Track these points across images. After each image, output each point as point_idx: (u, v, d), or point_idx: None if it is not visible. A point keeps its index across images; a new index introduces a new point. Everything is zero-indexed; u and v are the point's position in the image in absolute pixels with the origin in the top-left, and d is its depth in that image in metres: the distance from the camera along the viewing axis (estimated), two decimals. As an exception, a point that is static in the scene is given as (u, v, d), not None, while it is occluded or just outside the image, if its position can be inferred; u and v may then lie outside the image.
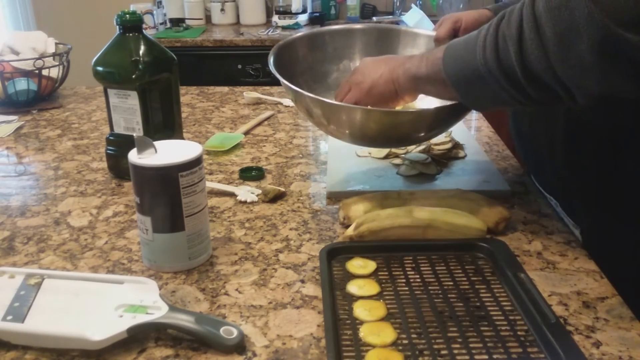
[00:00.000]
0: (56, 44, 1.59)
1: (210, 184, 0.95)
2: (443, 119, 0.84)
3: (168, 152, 0.71)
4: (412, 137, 0.87)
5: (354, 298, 0.65)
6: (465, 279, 0.69)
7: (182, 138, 1.07)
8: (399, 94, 0.80)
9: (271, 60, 0.92)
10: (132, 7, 2.68)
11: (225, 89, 1.63)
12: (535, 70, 0.62)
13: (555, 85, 0.62)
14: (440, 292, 0.66)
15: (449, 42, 0.74)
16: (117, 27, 0.95)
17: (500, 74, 0.65)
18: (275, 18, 2.89)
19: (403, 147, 1.08)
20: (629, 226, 0.81)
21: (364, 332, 0.59)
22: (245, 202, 0.92)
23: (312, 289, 0.70)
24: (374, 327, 0.60)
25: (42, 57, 1.45)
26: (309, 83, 1.00)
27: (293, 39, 1.03)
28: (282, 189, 0.94)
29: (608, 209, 0.83)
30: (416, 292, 0.66)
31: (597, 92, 0.61)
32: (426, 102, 0.94)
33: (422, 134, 0.86)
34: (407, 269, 0.71)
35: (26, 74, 1.43)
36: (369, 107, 0.81)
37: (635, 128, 0.77)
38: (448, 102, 0.85)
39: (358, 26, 1.09)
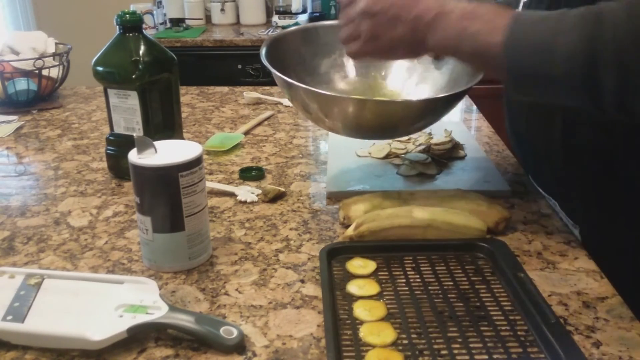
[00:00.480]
0: (56, 44, 1.59)
1: (210, 184, 0.95)
2: (437, 107, 0.86)
3: (168, 152, 0.71)
4: (406, 126, 0.88)
5: (354, 298, 0.65)
6: (465, 279, 0.69)
7: (182, 138, 1.07)
8: (421, 55, 0.75)
9: (263, 52, 0.92)
10: (132, 7, 2.68)
11: (225, 89, 1.63)
12: (635, 108, 0.58)
13: None
14: (440, 292, 0.66)
15: (507, 24, 0.64)
16: (117, 27, 0.95)
17: (586, 92, 0.60)
18: (275, 18, 2.89)
19: (403, 147, 1.08)
20: (629, 226, 0.81)
21: (364, 332, 0.59)
22: (245, 202, 0.92)
23: (312, 289, 0.70)
24: (374, 327, 0.60)
25: (42, 57, 1.45)
26: (300, 76, 1.01)
27: (285, 33, 1.04)
28: (282, 189, 0.94)
29: (607, 209, 0.83)
30: (416, 292, 0.66)
31: None
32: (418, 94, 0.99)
33: (417, 124, 0.88)
34: (407, 269, 0.71)
35: (26, 74, 1.43)
36: (364, 97, 0.83)
37: (633, 128, 0.77)
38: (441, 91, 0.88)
39: None
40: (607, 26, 0.58)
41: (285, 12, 2.88)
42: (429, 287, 0.67)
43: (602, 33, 0.58)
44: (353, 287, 0.67)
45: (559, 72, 0.61)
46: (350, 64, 1.07)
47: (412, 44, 0.71)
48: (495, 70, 0.67)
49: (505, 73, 0.66)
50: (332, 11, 3.05)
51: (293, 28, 1.07)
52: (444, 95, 0.85)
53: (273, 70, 0.86)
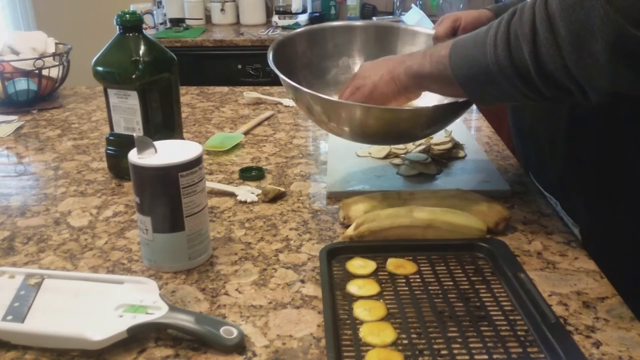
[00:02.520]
0: (56, 44, 1.59)
1: (210, 184, 0.95)
2: (442, 116, 0.85)
3: (168, 152, 0.71)
4: (412, 133, 0.87)
5: (354, 298, 0.65)
6: (465, 279, 0.69)
7: (182, 138, 1.07)
8: (401, 93, 0.80)
9: (270, 55, 0.92)
10: (132, 7, 2.68)
11: (225, 89, 1.63)
12: (549, 69, 0.62)
13: (569, 83, 0.63)
14: (440, 292, 0.66)
15: (453, 40, 0.73)
16: (117, 27, 0.95)
17: (513, 72, 0.65)
18: (275, 18, 2.89)
19: (403, 147, 1.08)
20: (630, 224, 0.81)
21: (364, 332, 0.59)
22: (245, 202, 0.92)
23: (312, 289, 0.70)
24: (374, 327, 0.60)
25: (42, 57, 1.45)
26: (308, 79, 1.00)
27: (292, 35, 1.03)
28: (282, 189, 0.94)
29: (609, 207, 0.83)
30: (416, 292, 0.66)
31: (610, 89, 0.61)
32: (426, 99, 0.95)
33: (421, 131, 0.87)
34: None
35: (26, 74, 1.43)
36: (369, 105, 0.81)
37: (637, 127, 0.77)
38: (447, 99, 0.85)
39: (358, 23, 1.09)
40: (526, 9, 0.64)
41: (285, 12, 2.88)
42: (429, 287, 0.67)
43: (518, 16, 0.64)
44: (353, 287, 0.67)
45: (490, 61, 0.66)
46: (357, 66, 1.06)
47: (389, 81, 0.79)
48: (451, 84, 0.72)
49: (455, 81, 0.71)
50: (332, 11, 3.05)
51: (300, 30, 1.06)
52: (450, 102, 0.83)
53: (281, 76, 0.85)
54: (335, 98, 0.87)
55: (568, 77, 0.62)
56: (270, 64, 0.89)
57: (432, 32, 1.03)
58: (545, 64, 0.62)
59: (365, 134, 0.86)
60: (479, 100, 0.74)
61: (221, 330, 0.60)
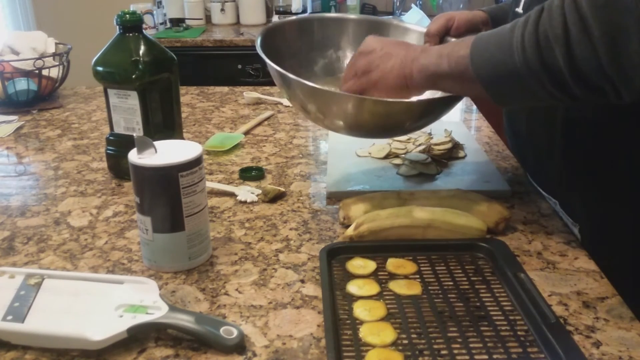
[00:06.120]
0: (56, 44, 1.59)
1: (210, 184, 0.95)
2: (435, 108, 0.85)
3: (168, 152, 0.71)
4: (404, 126, 0.87)
5: (354, 298, 0.65)
6: (465, 279, 0.69)
7: (182, 138, 1.07)
8: (410, 89, 0.78)
9: (258, 41, 0.91)
10: (132, 7, 2.68)
11: (225, 89, 1.63)
12: (583, 71, 0.61)
13: (604, 84, 0.61)
14: (440, 292, 0.66)
15: (470, 39, 0.71)
16: (117, 27, 0.95)
17: (544, 74, 0.63)
18: (275, 18, 2.89)
19: (403, 147, 1.08)
20: (629, 223, 0.81)
21: (364, 332, 0.59)
22: (245, 202, 0.92)
23: (312, 289, 0.70)
24: (374, 327, 0.60)
25: (42, 57, 1.45)
26: (294, 68, 0.99)
27: (282, 23, 1.02)
28: (282, 189, 0.94)
29: (607, 206, 0.83)
30: (416, 292, 0.66)
31: None
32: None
33: (414, 124, 0.86)
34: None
35: (26, 74, 1.43)
36: (362, 96, 0.80)
37: (634, 126, 0.77)
38: (439, 92, 0.86)
39: (351, 16, 1.08)
40: (554, 9, 0.62)
41: (285, 12, 2.89)
42: (429, 287, 0.67)
43: (547, 15, 0.63)
44: (353, 287, 0.67)
45: (519, 62, 0.64)
46: (347, 60, 1.05)
47: (400, 76, 0.77)
48: (472, 84, 0.70)
49: (478, 82, 0.69)
50: (332, 11, 3.05)
51: (290, 18, 1.05)
52: (442, 96, 0.83)
53: (273, 65, 0.84)
54: (325, 87, 0.86)
55: (603, 77, 0.60)
56: (258, 50, 0.88)
57: (424, 29, 1.03)
58: (580, 65, 0.61)
59: (357, 126, 0.85)
60: (501, 101, 0.72)
61: (221, 330, 0.60)
